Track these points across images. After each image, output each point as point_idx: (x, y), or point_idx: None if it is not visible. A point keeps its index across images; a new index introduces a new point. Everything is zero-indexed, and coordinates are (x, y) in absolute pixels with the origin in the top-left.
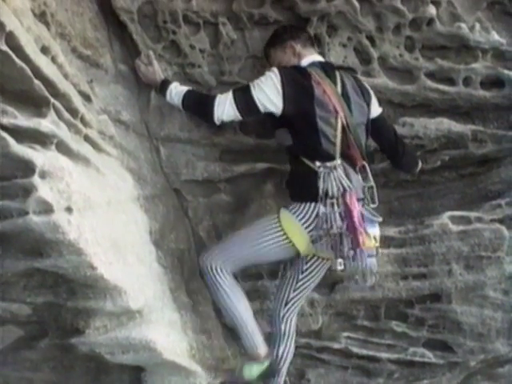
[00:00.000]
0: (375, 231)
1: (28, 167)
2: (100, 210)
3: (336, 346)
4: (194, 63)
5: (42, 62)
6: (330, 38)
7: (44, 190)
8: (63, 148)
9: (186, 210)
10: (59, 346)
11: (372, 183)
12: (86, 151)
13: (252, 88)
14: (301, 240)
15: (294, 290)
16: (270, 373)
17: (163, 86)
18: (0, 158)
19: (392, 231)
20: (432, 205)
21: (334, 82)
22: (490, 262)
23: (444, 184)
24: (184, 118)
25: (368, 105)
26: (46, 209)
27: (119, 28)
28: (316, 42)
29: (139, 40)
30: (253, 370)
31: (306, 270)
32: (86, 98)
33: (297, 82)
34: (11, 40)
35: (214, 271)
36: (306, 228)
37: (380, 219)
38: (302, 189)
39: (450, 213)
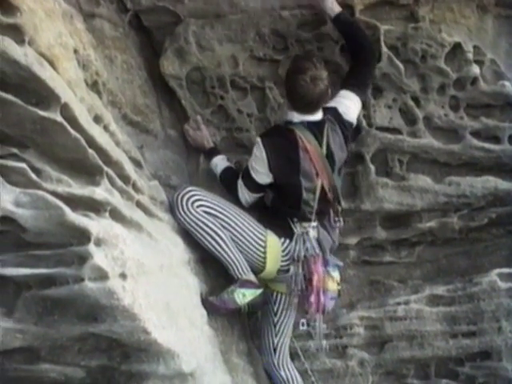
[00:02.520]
0: (337, 274)
1: (83, 235)
2: (153, 274)
3: None
4: (242, 127)
5: (95, 132)
6: (375, 99)
7: (99, 257)
8: (117, 215)
9: None
10: None
11: (336, 242)
12: (139, 217)
13: (251, 170)
14: (273, 262)
15: (276, 335)
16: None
17: (209, 155)
18: (56, 227)
19: (441, 289)
20: (480, 262)
21: (320, 143)
22: None
23: (492, 241)
24: None
25: (346, 138)
26: (101, 275)
27: (168, 94)
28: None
29: (188, 105)
30: (246, 296)
31: (277, 309)
32: (137, 164)
33: (282, 153)
34: (66, 111)
35: (188, 206)
36: (282, 259)
37: (341, 263)
38: (279, 228)
39: (498, 270)
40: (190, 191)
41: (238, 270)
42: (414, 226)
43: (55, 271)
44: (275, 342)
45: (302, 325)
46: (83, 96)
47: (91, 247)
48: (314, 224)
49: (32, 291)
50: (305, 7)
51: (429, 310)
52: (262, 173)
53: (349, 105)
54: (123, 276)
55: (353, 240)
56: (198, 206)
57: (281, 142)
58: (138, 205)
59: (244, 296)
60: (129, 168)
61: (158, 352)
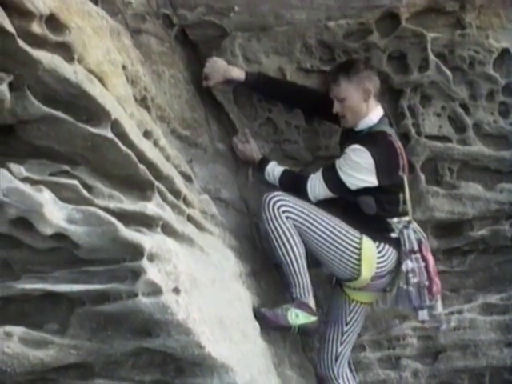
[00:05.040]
0: None
1: (137, 251)
2: (205, 288)
3: None
4: (291, 139)
5: (146, 147)
6: (423, 108)
7: (152, 272)
8: (168, 229)
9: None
10: None
11: None
12: (190, 231)
13: (340, 172)
14: (368, 269)
15: (341, 344)
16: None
17: (261, 164)
18: (109, 242)
19: (494, 298)
20: None
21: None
22: None
23: None
24: None
25: None
26: (155, 290)
27: (216, 108)
28: (410, 113)
29: (236, 119)
30: (299, 318)
31: (350, 320)
32: (187, 178)
33: (389, 162)
34: (116, 127)
35: (274, 210)
36: (377, 266)
37: None
38: (374, 232)
39: None
40: (277, 196)
41: (300, 289)
42: (466, 234)
43: (109, 287)
44: (339, 350)
45: (428, 316)
46: (133, 112)
47: (144, 262)
48: (410, 217)
49: (85, 307)
50: (351, 17)
51: (482, 319)
52: (360, 179)
53: None
54: (177, 290)
55: None
56: (283, 212)
57: (386, 152)
58: (189, 219)
59: (297, 317)
60: (179, 182)
61: (212, 366)
